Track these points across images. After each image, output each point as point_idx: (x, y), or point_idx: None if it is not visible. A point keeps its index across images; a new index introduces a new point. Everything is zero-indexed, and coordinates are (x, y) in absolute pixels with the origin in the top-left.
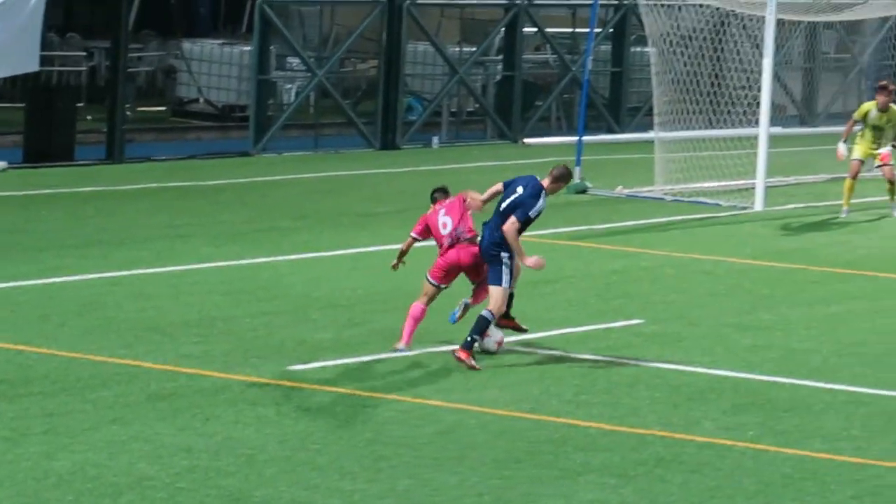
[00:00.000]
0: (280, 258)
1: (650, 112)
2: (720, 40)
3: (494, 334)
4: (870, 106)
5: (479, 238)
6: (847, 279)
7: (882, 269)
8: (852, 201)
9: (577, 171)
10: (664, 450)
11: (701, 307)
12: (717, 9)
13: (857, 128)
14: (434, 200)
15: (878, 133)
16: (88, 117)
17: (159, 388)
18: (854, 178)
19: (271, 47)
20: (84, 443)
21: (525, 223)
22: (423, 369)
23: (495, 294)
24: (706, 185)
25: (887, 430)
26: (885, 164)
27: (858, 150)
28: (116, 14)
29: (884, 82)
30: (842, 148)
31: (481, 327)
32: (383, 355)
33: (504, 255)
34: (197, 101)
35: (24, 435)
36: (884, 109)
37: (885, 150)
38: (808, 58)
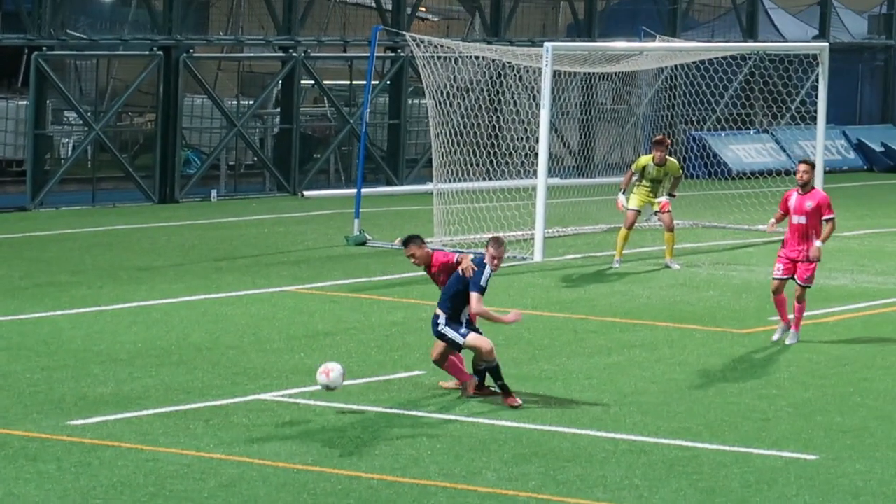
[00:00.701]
0: (59, 313)
1: (429, 163)
2: (498, 92)
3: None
4: (647, 160)
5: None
6: (626, 329)
7: (660, 319)
8: (628, 251)
9: (355, 224)
10: (447, 500)
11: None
12: (494, 61)
13: (634, 178)
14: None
15: (656, 185)
16: None
17: None
18: (629, 228)
19: (48, 101)
20: None
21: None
22: (205, 422)
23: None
24: (486, 236)
25: (668, 477)
26: (664, 212)
27: (635, 201)
28: None
29: (659, 137)
30: (621, 198)
31: (496, 372)
32: (163, 409)
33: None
34: None
35: None
36: (661, 164)
37: (664, 198)
38: (585, 109)
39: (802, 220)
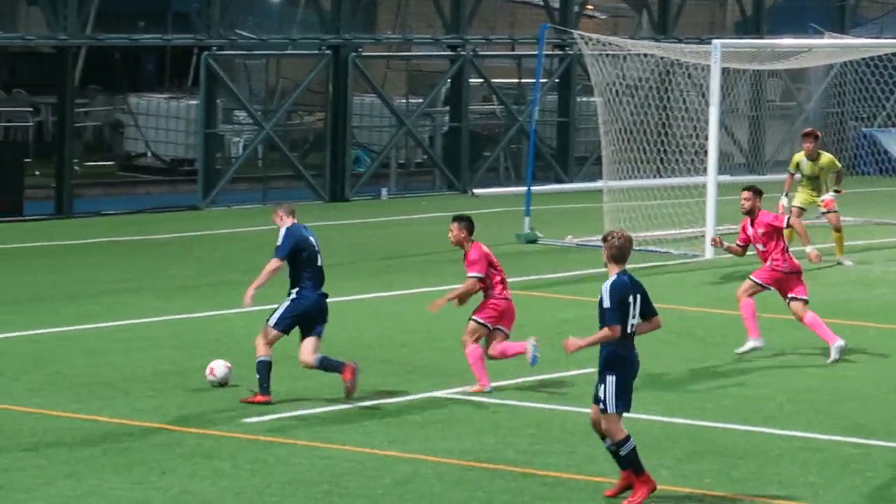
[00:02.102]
0: (231, 311)
1: (598, 161)
2: (666, 89)
3: None
4: (799, 156)
5: None
6: (798, 326)
7: (832, 316)
8: (795, 249)
9: (525, 221)
10: (621, 498)
11: (653, 355)
12: (662, 58)
13: (796, 177)
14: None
15: (815, 182)
16: (36, 172)
17: (114, 443)
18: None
19: (218, 101)
20: (40, 498)
21: None
22: (378, 420)
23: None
24: (655, 233)
25: (842, 475)
26: (829, 211)
27: (798, 199)
28: (62, 69)
29: (808, 129)
30: (783, 200)
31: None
32: (337, 407)
33: None
34: (145, 155)
35: None
36: (813, 158)
37: (827, 196)
38: (754, 105)
39: (761, 247)
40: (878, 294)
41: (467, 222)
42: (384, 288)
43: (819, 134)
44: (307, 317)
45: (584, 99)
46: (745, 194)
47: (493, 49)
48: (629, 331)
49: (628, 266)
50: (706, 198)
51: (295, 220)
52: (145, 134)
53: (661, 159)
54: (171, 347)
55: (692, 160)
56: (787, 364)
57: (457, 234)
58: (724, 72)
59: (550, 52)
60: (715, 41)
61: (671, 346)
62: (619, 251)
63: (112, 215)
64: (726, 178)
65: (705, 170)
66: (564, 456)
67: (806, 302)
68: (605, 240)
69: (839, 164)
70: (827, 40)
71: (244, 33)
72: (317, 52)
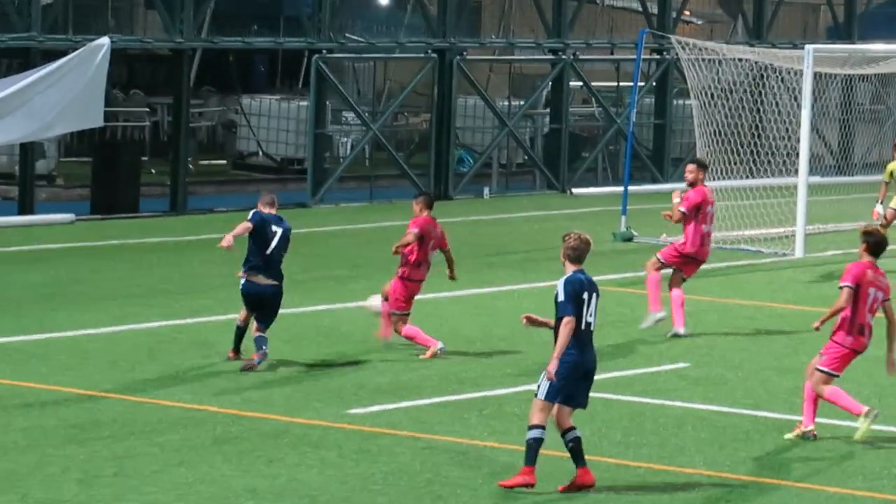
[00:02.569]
0: (338, 306)
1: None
2: (760, 93)
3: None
4: (893, 165)
5: None
6: (884, 324)
7: None
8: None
9: (622, 220)
10: (712, 489)
11: (743, 350)
12: (756, 62)
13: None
14: None
15: None
16: (152, 171)
17: (224, 432)
18: (886, 225)
19: (327, 102)
20: (152, 485)
21: None
22: (478, 412)
23: None
24: (748, 232)
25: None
26: None
27: (891, 202)
28: (178, 71)
29: None
30: (877, 208)
31: None
32: (439, 398)
33: None
34: (256, 154)
35: (95, 477)
36: None
37: None
38: (844, 109)
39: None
40: None
41: (425, 197)
42: (485, 284)
43: None
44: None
45: (680, 102)
46: (689, 167)
47: (592, 53)
48: (582, 327)
49: (725, 263)
50: (797, 198)
51: (273, 212)
52: (257, 134)
53: (754, 160)
54: (279, 339)
55: (784, 161)
56: (872, 360)
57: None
58: (816, 76)
59: (648, 57)
60: (808, 46)
61: (761, 342)
62: (574, 251)
63: (224, 212)
64: (817, 179)
65: (797, 171)
66: (656, 448)
67: (683, 280)
68: (563, 239)
69: None
70: None
71: (353, 37)
72: (423, 55)
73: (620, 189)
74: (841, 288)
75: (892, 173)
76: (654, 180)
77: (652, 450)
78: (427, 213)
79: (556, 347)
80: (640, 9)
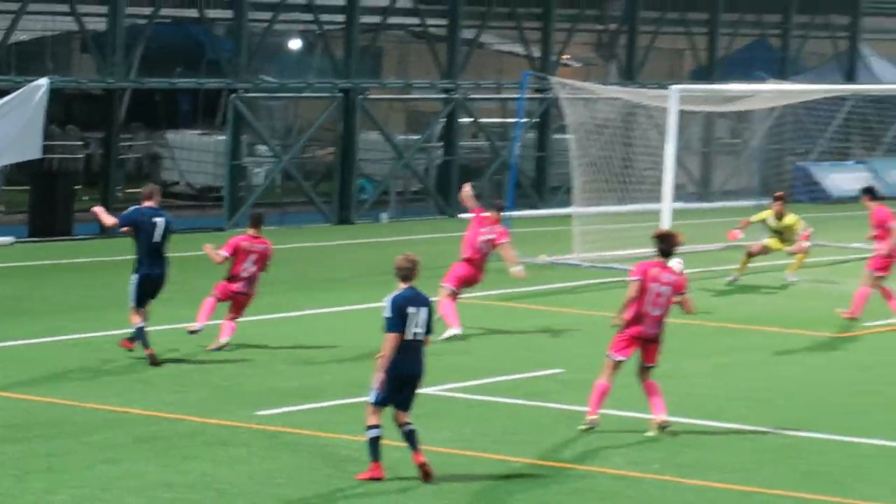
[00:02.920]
0: (253, 318)
1: (570, 190)
2: (630, 128)
3: None
4: (766, 214)
5: None
6: (738, 333)
7: (768, 325)
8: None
9: None
10: (580, 481)
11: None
12: (627, 101)
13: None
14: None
15: (780, 234)
16: (85, 198)
17: (145, 432)
18: (752, 255)
19: (243, 136)
20: (80, 479)
21: None
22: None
23: None
24: (618, 253)
25: (773, 462)
26: (804, 241)
27: (770, 242)
28: (109, 109)
29: (779, 193)
30: (737, 233)
31: None
32: (341, 401)
33: None
34: (178, 183)
35: (27, 473)
36: (779, 217)
37: (804, 231)
38: (705, 142)
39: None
40: (809, 306)
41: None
42: (382, 298)
43: (785, 195)
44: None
45: (559, 136)
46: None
47: (481, 92)
48: (409, 338)
49: (597, 281)
50: (661, 222)
51: (153, 204)
52: (179, 165)
53: (624, 189)
54: (197, 348)
55: (650, 189)
56: (725, 366)
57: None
58: (681, 113)
59: (531, 96)
60: (673, 86)
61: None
62: (401, 271)
63: None
64: (680, 205)
65: (662, 198)
66: (532, 445)
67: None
68: (395, 261)
69: (802, 224)
70: (770, 86)
71: (267, 78)
72: (329, 94)
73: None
74: (630, 282)
75: (764, 220)
76: (535, 206)
77: (528, 447)
78: (253, 232)
79: (381, 361)
80: (524, 53)
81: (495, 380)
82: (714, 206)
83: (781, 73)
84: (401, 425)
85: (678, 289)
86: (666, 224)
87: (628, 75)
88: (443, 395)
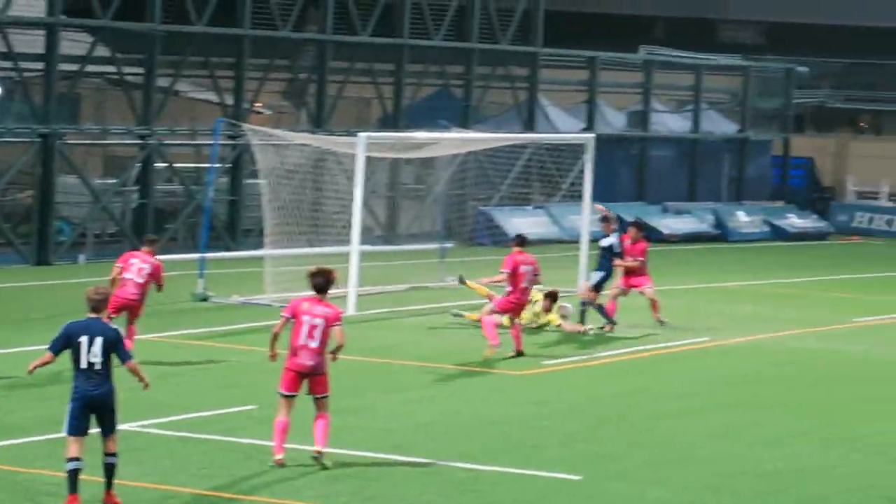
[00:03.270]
0: None
1: (262, 233)
2: (320, 173)
3: None
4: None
5: None
6: (421, 370)
7: (449, 362)
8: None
9: (199, 283)
10: None
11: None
12: (317, 147)
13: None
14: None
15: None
16: None
17: None
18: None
19: None
20: None
21: None
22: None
23: None
24: (306, 293)
25: (457, 494)
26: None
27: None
28: None
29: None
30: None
31: None
32: (40, 437)
33: None
34: None
35: None
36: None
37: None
38: (391, 188)
39: None
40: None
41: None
42: None
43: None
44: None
45: (252, 181)
46: None
47: (176, 138)
48: (84, 366)
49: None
50: (350, 263)
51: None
52: None
53: (314, 231)
54: None
55: (339, 232)
56: (412, 402)
57: None
58: (368, 159)
59: (224, 142)
60: (361, 134)
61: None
62: (90, 302)
63: None
64: (367, 247)
65: (350, 240)
66: (226, 478)
67: None
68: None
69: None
70: (453, 134)
71: None
72: (28, 139)
73: (198, 256)
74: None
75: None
76: (228, 248)
77: (224, 480)
78: None
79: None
80: (218, 100)
81: (191, 416)
82: (399, 249)
83: (464, 122)
84: (104, 454)
85: (331, 321)
86: (354, 266)
87: (318, 122)
88: (141, 431)
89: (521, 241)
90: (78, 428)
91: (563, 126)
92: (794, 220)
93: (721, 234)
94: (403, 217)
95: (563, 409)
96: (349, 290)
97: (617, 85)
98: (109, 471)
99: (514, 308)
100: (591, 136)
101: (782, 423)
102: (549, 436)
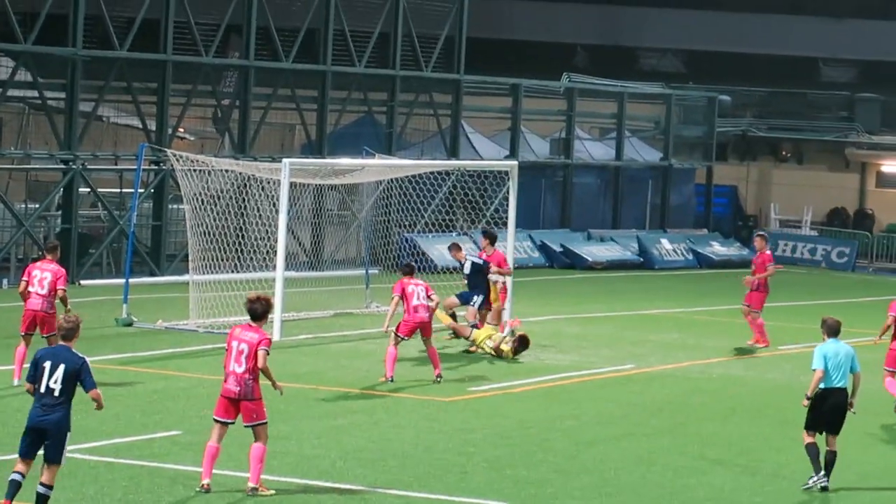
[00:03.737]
0: None
1: (186, 258)
2: (244, 199)
3: None
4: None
5: None
6: (349, 396)
7: (377, 389)
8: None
9: (124, 308)
10: None
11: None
12: (241, 173)
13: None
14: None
15: None
16: None
17: None
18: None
19: None
20: None
21: None
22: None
23: None
24: (233, 319)
25: None
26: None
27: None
28: None
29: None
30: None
31: None
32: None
33: None
34: None
35: None
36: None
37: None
38: (316, 214)
39: None
40: (416, 371)
41: None
42: (4, 362)
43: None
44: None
45: (175, 206)
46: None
47: (99, 163)
48: (43, 391)
49: (213, 345)
50: (275, 289)
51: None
52: None
53: (239, 257)
54: None
55: (264, 258)
56: (338, 428)
57: None
58: (292, 185)
59: (147, 167)
60: (285, 160)
61: None
62: (60, 331)
63: None
64: (292, 273)
65: (275, 266)
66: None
67: None
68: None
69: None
70: (377, 161)
71: None
72: None
73: (122, 281)
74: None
75: None
76: (153, 273)
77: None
78: None
79: None
80: (141, 126)
81: (116, 441)
82: (324, 275)
83: (388, 149)
84: (40, 482)
85: (255, 346)
86: (279, 292)
87: (241, 148)
88: (66, 456)
89: (409, 269)
90: (24, 452)
91: (486, 153)
92: (718, 248)
93: (645, 261)
94: (328, 243)
95: (491, 436)
96: (275, 316)
97: (540, 112)
98: (40, 501)
99: (411, 329)
100: (514, 163)
101: (705, 451)
102: (478, 462)
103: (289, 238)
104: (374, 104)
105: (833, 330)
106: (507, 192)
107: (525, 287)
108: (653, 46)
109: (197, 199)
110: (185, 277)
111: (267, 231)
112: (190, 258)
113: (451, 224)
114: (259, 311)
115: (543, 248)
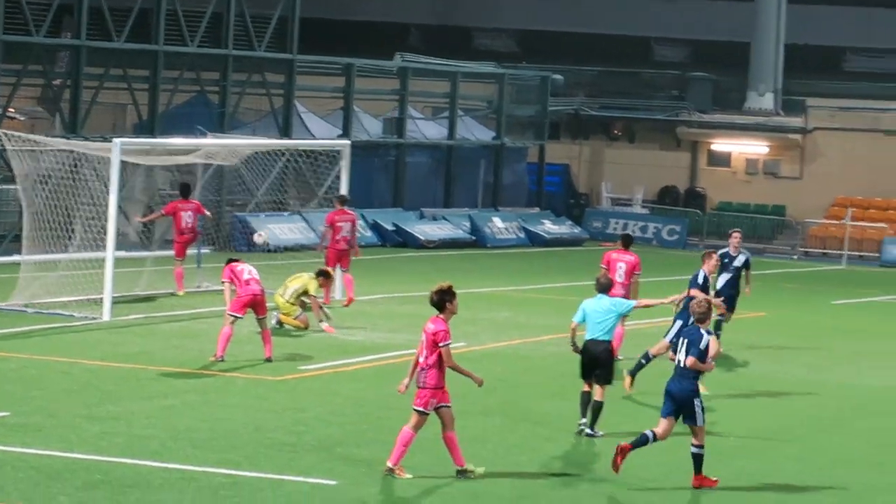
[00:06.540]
0: None
1: (17, 238)
2: (75, 179)
3: None
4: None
5: None
6: (180, 376)
7: (208, 368)
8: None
9: None
10: None
11: (58, 402)
12: (72, 153)
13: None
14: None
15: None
16: None
17: None
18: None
19: None
20: None
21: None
22: None
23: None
24: (62, 299)
25: (213, 500)
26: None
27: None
28: None
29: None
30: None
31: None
32: None
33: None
34: None
35: None
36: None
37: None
38: (147, 193)
39: None
40: (247, 350)
41: None
42: None
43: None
44: None
45: (6, 186)
46: None
47: None
48: None
49: (42, 326)
50: (105, 269)
51: None
52: None
53: (69, 237)
54: None
55: (94, 238)
56: (169, 408)
57: None
58: (123, 165)
59: None
60: (116, 139)
61: (73, 394)
62: None
63: None
64: (122, 253)
65: (105, 246)
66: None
67: None
68: None
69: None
70: (210, 140)
71: None
72: None
73: None
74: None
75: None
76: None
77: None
78: None
79: None
80: None
81: None
82: (155, 255)
83: (220, 128)
84: None
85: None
86: (109, 272)
87: (72, 128)
88: None
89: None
90: None
91: (319, 132)
92: (550, 227)
93: (477, 240)
94: (160, 222)
95: (322, 414)
96: (105, 296)
97: (373, 92)
98: None
99: (244, 304)
100: (346, 142)
101: (534, 430)
102: (308, 441)
103: (119, 217)
104: (206, 84)
105: (602, 287)
106: (340, 172)
107: (358, 266)
108: (486, 26)
109: (28, 179)
110: (16, 258)
111: (98, 211)
112: (22, 238)
113: (283, 204)
114: (434, 301)
115: (376, 227)
